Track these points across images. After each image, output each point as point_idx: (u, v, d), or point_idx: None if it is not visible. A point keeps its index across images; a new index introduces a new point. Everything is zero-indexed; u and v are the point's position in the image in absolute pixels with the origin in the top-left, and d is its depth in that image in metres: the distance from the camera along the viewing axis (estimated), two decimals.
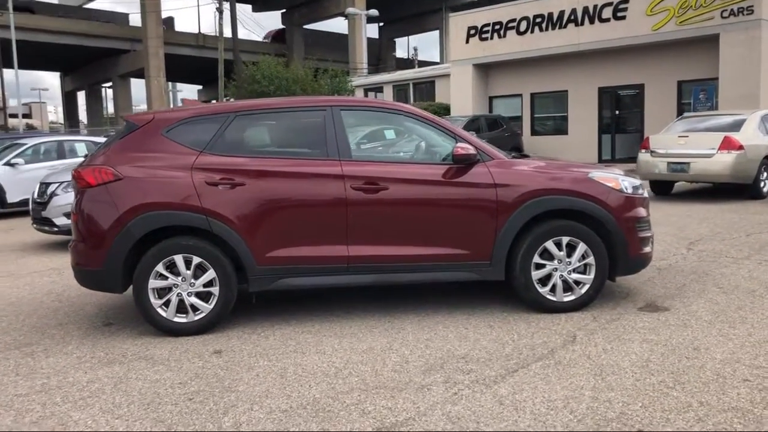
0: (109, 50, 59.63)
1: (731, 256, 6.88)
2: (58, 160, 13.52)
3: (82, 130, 53.93)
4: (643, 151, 11.81)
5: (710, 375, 3.73)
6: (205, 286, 4.73)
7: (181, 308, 4.73)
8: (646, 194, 5.35)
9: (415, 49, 54.11)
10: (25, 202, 11.46)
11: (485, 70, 22.90)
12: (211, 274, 4.72)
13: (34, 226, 9.16)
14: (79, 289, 5.71)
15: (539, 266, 4.97)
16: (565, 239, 4.96)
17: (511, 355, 4.17)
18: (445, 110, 23.23)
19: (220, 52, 35.71)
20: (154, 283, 4.68)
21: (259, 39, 67.02)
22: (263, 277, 4.79)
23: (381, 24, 66.52)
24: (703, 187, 13.18)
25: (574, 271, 5.00)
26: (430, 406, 3.44)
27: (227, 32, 36.31)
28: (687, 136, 11.37)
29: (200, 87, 75.01)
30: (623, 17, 18.96)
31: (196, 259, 4.70)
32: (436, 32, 64.16)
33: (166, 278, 4.69)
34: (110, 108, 71.53)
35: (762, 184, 11.36)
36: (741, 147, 10.83)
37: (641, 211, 5.17)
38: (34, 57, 63.08)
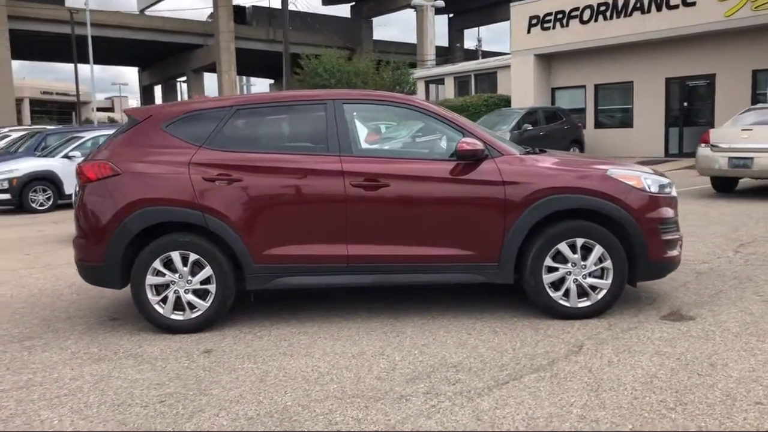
0: (183, 45, 61.25)
1: None
2: None
3: None
4: (703, 145, 11.14)
5: (719, 395, 3.37)
6: (202, 283, 4.65)
7: (179, 305, 4.66)
8: (674, 193, 4.95)
9: (479, 40, 53.30)
10: None
11: (547, 60, 22.23)
12: (208, 271, 4.63)
13: None
14: None
15: (552, 269, 4.67)
16: (579, 241, 4.63)
17: (506, 365, 3.91)
18: (505, 102, 22.71)
19: (285, 45, 36.00)
20: (151, 279, 4.63)
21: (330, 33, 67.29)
22: (260, 276, 4.67)
23: (450, 15, 65.85)
24: None
25: (590, 275, 4.66)
26: (401, 420, 3.23)
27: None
28: (751, 129, 10.64)
29: (272, 81, 76.12)
30: (693, 3, 18.00)
31: (192, 256, 4.62)
32: (507, 23, 63.05)
33: (164, 275, 4.63)
34: None
35: None
36: None
37: (666, 212, 4.78)
38: (114, 53, 65.52)
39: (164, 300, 4.65)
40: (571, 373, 3.74)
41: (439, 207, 4.66)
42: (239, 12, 61.45)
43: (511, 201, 4.60)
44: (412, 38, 57.20)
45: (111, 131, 15.91)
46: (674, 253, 4.82)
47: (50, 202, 13.42)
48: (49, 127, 24.25)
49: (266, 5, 66.97)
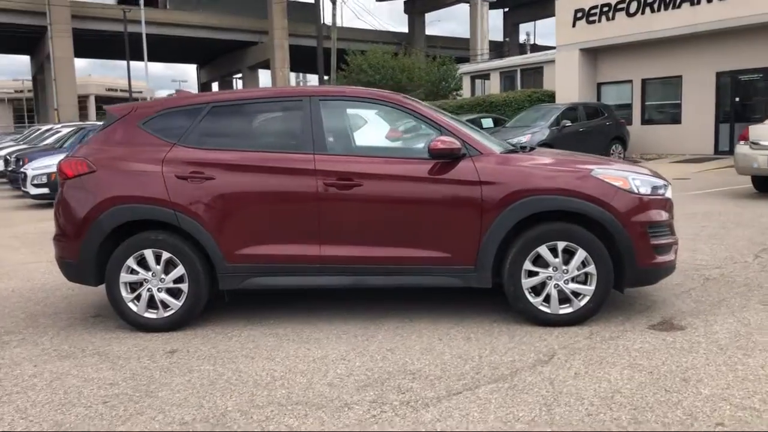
0: (239, 42, 62.14)
1: None
2: None
3: None
4: (742, 143, 10.59)
5: (680, 415, 3.13)
6: (175, 282, 4.62)
7: (152, 304, 4.64)
8: (668, 195, 4.66)
9: (528, 35, 52.15)
10: None
11: (593, 55, 21.60)
12: (180, 270, 4.60)
13: None
14: None
15: (532, 274, 4.46)
16: (561, 244, 4.41)
17: (466, 374, 3.73)
18: (549, 97, 22.19)
19: (333, 42, 36.15)
20: (125, 277, 4.62)
21: (383, 29, 67.30)
22: (233, 275, 4.61)
23: (506, 10, 64.92)
24: None
25: (572, 280, 4.43)
26: (336, 430, 3.11)
27: (339, 22, 36.71)
28: None
29: (327, 77, 76.61)
30: None
31: (165, 255, 4.59)
32: None
33: (137, 273, 4.62)
34: None
35: None
36: None
37: (657, 215, 4.50)
38: (173, 50, 67.13)
39: (138, 298, 4.64)
40: (531, 384, 3.55)
41: (414, 207, 4.50)
42: (294, 6, 61.97)
43: (488, 202, 4.41)
44: (467, 33, 56.49)
45: None
46: (666, 258, 4.54)
47: None
48: (89, 123, 24.84)
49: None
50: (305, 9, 64.16)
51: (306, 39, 61.21)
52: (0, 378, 3.91)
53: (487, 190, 4.42)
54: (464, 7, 57.17)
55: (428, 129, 4.67)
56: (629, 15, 19.79)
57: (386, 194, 4.50)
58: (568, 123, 16.27)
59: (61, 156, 14.12)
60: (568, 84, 21.57)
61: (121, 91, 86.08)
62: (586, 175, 4.43)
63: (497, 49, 58.11)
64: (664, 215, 4.56)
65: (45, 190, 13.48)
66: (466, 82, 28.95)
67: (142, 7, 38.88)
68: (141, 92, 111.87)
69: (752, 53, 17.86)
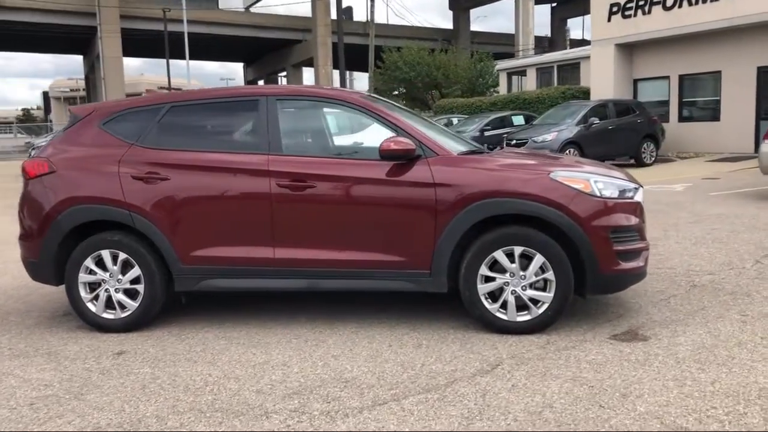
0: (283, 41, 62.67)
1: None
2: None
3: None
4: (767, 141, 10.11)
5: None
6: (132, 282, 4.61)
7: (110, 304, 4.65)
8: (637, 199, 4.43)
9: (567, 30, 51.00)
10: None
11: (628, 50, 20.99)
12: (137, 270, 4.59)
13: None
14: None
15: (488, 279, 4.30)
16: (517, 249, 4.23)
17: (401, 383, 3.61)
18: (583, 94, 21.68)
19: (371, 39, 36.11)
20: (83, 277, 4.64)
21: (427, 25, 66.96)
22: (188, 277, 4.58)
23: (554, 5, 63.80)
24: None
25: (530, 286, 4.26)
26: None
27: (384, 19, 36.62)
28: None
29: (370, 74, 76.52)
30: None
31: (122, 255, 4.59)
32: None
33: (95, 273, 4.63)
34: None
35: None
36: None
37: (622, 219, 4.29)
38: (219, 49, 68.14)
39: (96, 298, 4.65)
40: (462, 396, 3.41)
41: (368, 210, 4.39)
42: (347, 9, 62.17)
43: (442, 204, 4.27)
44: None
45: None
46: (632, 264, 4.32)
47: None
48: None
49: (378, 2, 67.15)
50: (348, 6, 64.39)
51: (350, 36, 61.45)
52: None
53: (441, 193, 4.27)
54: (511, 3, 56.36)
55: (385, 130, 4.52)
56: (666, 9, 19.17)
57: (339, 196, 4.40)
58: (597, 121, 15.84)
59: None
60: (603, 80, 21.04)
61: (173, 89, 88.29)
62: (544, 177, 4.24)
63: (543, 45, 57.16)
64: (631, 220, 4.33)
65: None
66: (503, 79, 28.54)
67: (184, 7, 39.39)
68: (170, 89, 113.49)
69: None
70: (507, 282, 4.27)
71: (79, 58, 72.27)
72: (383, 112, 4.56)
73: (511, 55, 43.79)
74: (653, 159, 16.90)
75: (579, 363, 3.79)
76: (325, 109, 4.75)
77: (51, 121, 75.75)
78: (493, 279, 4.29)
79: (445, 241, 4.28)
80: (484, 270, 4.28)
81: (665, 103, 20.31)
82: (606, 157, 17.05)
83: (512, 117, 20.08)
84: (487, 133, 19.36)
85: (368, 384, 3.61)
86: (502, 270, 4.28)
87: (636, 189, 4.46)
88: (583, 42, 54.33)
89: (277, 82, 75.95)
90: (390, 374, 3.74)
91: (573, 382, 3.52)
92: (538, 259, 4.21)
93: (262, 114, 4.58)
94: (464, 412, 3.22)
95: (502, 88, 28.41)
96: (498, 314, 4.30)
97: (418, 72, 29.38)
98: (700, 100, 19.96)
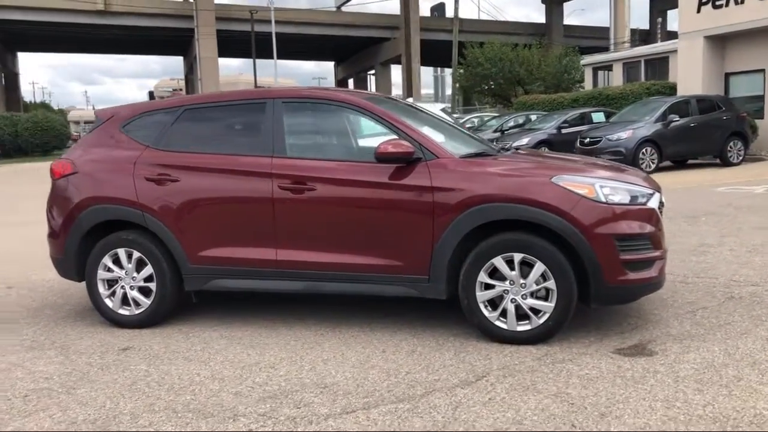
0: (372, 39, 63.16)
1: None
2: None
3: None
4: None
5: None
6: (145, 281, 4.76)
7: (126, 301, 4.82)
8: (650, 205, 4.17)
9: (658, 22, 48.57)
10: None
11: (720, 42, 19.82)
12: (149, 269, 4.73)
13: None
14: None
15: (488, 286, 4.17)
16: (517, 256, 4.07)
17: (378, 391, 3.55)
18: (670, 90, 20.67)
19: (455, 34, 35.76)
20: (102, 274, 4.83)
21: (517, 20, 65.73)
22: (197, 276, 4.68)
23: None
24: None
25: (531, 295, 4.09)
26: None
27: (468, 14, 36.23)
28: None
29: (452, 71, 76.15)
30: None
31: (136, 254, 4.75)
32: None
33: (113, 271, 4.81)
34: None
35: None
36: None
37: (630, 227, 4.04)
38: (310, 48, 69.52)
39: (114, 294, 4.83)
40: (434, 407, 3.31)
41: (367, 213, 4.34)
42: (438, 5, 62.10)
43: (439, 209, 4.17)
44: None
45: None
46: (642, 275, 4.07)
47: None
48: None
49: None
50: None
51: (438, 33, 61.20)
52: None
53: (439, 197, 4.17)
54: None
55: (388, 132, 4.45)
56: None
57: (339, 199, 4.38)
58: (676, 118, 15.05)
59: None
60: (691, 75, 19.98)
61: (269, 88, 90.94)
62: (545, 181, 4.06)
63: (639, 38, 54.90)
64: (642, 227, 4.08)
65: None
66: (588, 74, 27.61)
67: (272, 8, 40.41)
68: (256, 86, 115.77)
69: None
70: (506, 290, 4.12)
71: (180, 58, 75.54)
72: (385, 113, 4.49)
73: (606, 50, 42.33)
74: (741, 158, 15.88)
75: (569, 378, 3.61)
76: (329, 112, 4.72)
77: None
78: (492, 286, 4.15)
79: (443, 246, 4.18)
80: (483, 277, 4.15)
81: (760, 98, 19.07)
82: (687, 157, 16.26)
83: (592, 114, 19.39)
84: (564, 131, 18.79)
85: (345, 391, 3.57)
86: (502, 277, 4.13)
87: (650, 195, 4.19)
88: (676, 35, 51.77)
89: (365, 81, 76.55)
90: (371, 381, 3.68)
91: (554, 398, 3.35)
92: (539, 267, 4.04)
93: (268, 116, 4.61)
94: (429, 424, 3.13)
95: (588, 84, 27.50)
96: (497, 323, 4.16)
97: (499, 68, 28.89)
98: None
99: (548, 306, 4.06)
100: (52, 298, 5.86)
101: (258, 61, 52.24)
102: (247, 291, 4.82)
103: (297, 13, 57.46)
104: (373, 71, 70.37)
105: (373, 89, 72.39)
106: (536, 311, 4.09)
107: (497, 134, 21.30)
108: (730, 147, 15.74)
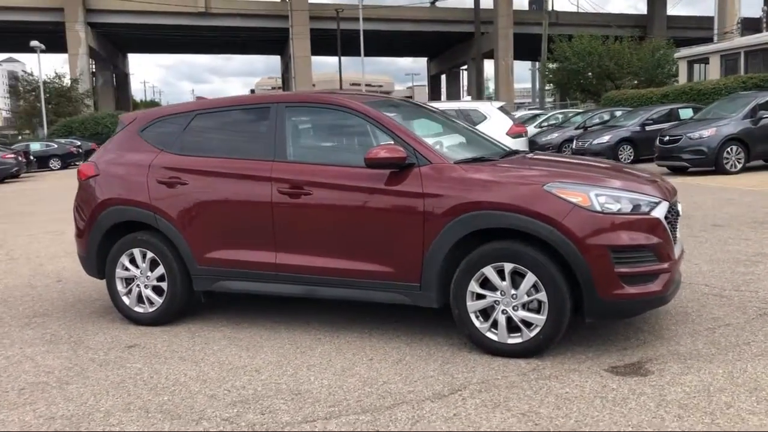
0: (465, 34, 62.61)
1: None
2: None
3: None
4: None
5: None
6: (158, 280, 4.93)
7: (141, 299, 5.00)
8: (655, 215, 3.91)
9: (765, 10, 45.22)
10: None
11: None
12: (161, 269, 4.89)
13: None
14: None
15: (480, 296, 4.04)
16: (508, 266, 3.93)
17: (347, 400, 3.51)
18: None
19: (544, 28, 34.88)
20: (120, 272, 5.03)
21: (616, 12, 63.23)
22: (204, 277, 4.79)
23: None
24: None
25: (523, 307, 3.93)
26: None
27: (568, 6, 35.26)
28: None
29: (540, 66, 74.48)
30: None
31: (149, 254, 4.92)
32: None
33: (129, 270, 5.00)
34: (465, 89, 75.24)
35: None
36: None
37: (629, 237, 3.81)
38: (403, 45, 69.78)
39: (130, 293, 5.02)
40: (394, 421, 3.25)
41: (361, 218, 4.30)
42: None
43: (430, 216, 4.08)
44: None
45: None
46: (641, 289, 3.82)
47: None
48: None
49: None
50: None
51: (532, 26, 59.88)
52: None
53: (430, 203, 4.08)
54: None
55: (383, 136, 4.39)
56: None
57: (333, 204, 4.37)
58: (767, 114, 14.06)
59: None
60: None
61: (366, 85, 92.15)
62: (537, 189, 3.88)
63: (748, 27, 51.66)
64: (643, 238, 3.84)
65: None
66: (682, 68, 26.27)
67: (360, 6, 40.79)
68: (381, 86, 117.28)
69: None
70: (497, 300, 3.98)
71: (277, 57, 77.70)
72: (380, 118, 4.42)
73: (709, 41, 40.18)
74: None
75: (546, 396, 3.45)
76: (329, 117, 4.71)
77: None
78: (483, 296, 4.02)
79: (434, 254, 4.09)
80: (474, 287, 4.02)
81: None
82: None
83: (679, 110, 18.44)
84: (648, 128, 17.99)
85: (315, 398, 3.56)
86: (494, 288, 4.00)
87: (654, 204, 3.93)
88: None
89: (458, 76, 76.11)
90: (344, 390, 3.65)
91: (520, 418, 3.21)
92: (530, 278, 3.88)
93: (272, 121, 4.66)
94: None
95: (682, 78, 26.18)
96: (489, 334, 4.03)
97: (587, 62, 27.91)
98: None
99: (540, 319, 3.89)
100: (89, 293, 6.16)
101: (354, 58, 52.90)
102: (248, 293, 4.88)
103: (388, 10, 57.74)
104: (465, 66, 69.81)
105: (465, 85, 71.87)
106: (528, 324, 3.93)
107: (578, 131, 20.66)
108: None
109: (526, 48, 59.19)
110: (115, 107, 60.40)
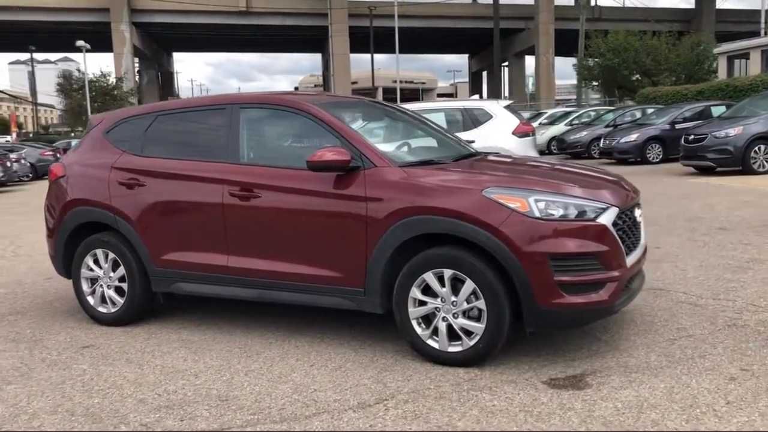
0: (506, 30, 61.79)
1: None
2: None
3: None
4: None
5: None
6: (119, 281, 4.96)
7: (104, 299, 5.04)
8: (601, 221, 3.74)
9: None
10: None
11: None
12: (122, 270, 4.92)
13: None
14: None
15: (422, 303, 3.94)
16: (447, 272, 3.82)
17: (266, 409, 3.45)
18: None
19: (581, 23, 34.17)
20: (84, 273, 5.08)
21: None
22: (161, 279, 4.80)
23: None
24: None
25: (463, 314, 3.82)
26: None
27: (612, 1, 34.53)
28: None
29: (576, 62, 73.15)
30: None
31: (111, 255, 4.95)
32: None
33: (93, 270, 5.05)
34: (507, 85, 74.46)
35: None
36: None
37: (571, 244, 3.66)
38: (446, 42, 69.39)
39: (94, 293, 5.07)
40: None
41: (307, 222, 4.24)
42: None
43: (372, 220, 3.99)
44: None
45: None
46: (584, 298, 3.67)
47: None
48: None
49: None
50: None
51: (574, 22, 58.80)
52: None
53: (372, 208, 4.00)
54: None
55: (333, 139, 4.31)
56: None
57: (280, 207, 4.32)
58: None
59: None
60: None
61: (406, 82, 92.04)
62: (476, 194, 3.76)
63: None
64: (586, 245, 3.68)
65: None
66: (722, 64, 25.46)
67: (395, 3, 40.67)
68: (424, 83, 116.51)
69: None
70: (438, 307, 3.88)
71: (318, 56, 78.12)
72: (328, 120, 4.34)
73: (756, 35, 38.86)
74: None
75: (471, 409, 3.33)
76: (284, 118, 4.65)
77: None
78: (425, 303, 3.93)
79: (377, 259, 4.00)
80: (415, 292, 3.93)
81: None
82: None
83: (711, 108, 17.86)
84: (678, 126, 17.47)
85: (239, 406, 3.52)
86: (436, 294, 3.89)
87: (601, 210, 3.77)
88: None
89: (499, 72, 75.14)
90: (271, 398, 3.60)
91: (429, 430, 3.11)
92: (468, 285, 3.77)
93: (226, 123, 4.63)
94: None
95: (722, 74, 25.36)
96: (429, 342, 3.93)
97: (623, 58, 27.25)
98: None
99: (479, 327, 3.77)
100: (70, 292, 6.22)
101: (400, 55, 52.65)
102: (202, 296, 4.87)
103: (426, 7, 57.44)
104: (506, 63, 69.00)
105: (506, 81, 70.99)
106: (468, 332, 3.82)
107: (608, 129, 20.21)
108: None
109: (568, 44, 58.20)
110: None
